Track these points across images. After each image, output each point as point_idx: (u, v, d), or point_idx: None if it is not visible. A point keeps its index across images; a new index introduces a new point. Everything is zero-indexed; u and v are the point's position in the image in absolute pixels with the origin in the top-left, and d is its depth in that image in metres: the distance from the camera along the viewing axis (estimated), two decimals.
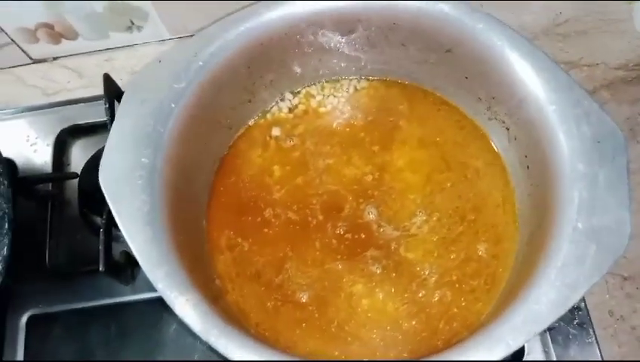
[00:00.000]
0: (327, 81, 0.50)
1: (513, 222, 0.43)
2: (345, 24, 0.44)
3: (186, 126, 0.41)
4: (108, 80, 0.52)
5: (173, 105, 0.39)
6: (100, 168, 0.37)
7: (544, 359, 0.46)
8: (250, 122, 0.49)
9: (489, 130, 0.46)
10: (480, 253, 0.43)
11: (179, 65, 0.40)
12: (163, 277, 0.34)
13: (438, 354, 0.33)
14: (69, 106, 0.61)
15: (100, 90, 0.51)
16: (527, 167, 0.41)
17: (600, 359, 0.47)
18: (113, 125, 0.38)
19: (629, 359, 0.49)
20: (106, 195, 0.37)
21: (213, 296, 0.40)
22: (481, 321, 0.41)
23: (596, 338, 0.47)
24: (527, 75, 0.38)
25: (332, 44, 0.46)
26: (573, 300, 0.32)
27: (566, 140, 0.36)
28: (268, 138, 0.49)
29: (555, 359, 0.46)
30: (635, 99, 0.58)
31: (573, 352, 0.47)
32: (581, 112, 0.36)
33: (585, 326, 0.48)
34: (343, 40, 0.45)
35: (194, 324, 0.33)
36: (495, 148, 0.46)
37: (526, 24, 0.62)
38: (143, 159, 0.37)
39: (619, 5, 0.61)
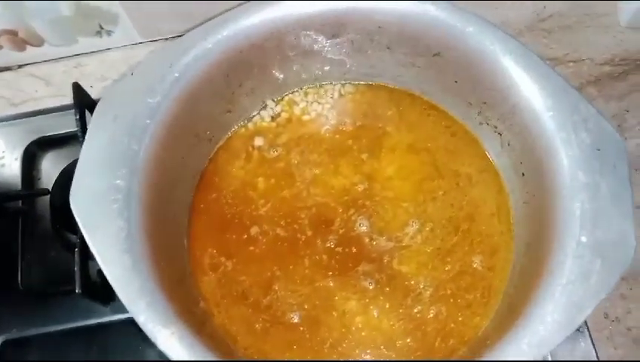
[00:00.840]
0: (310, 87, 0.48)
1: (508, 231, 0.42)
2: (328, 28, 0.42)
3: (163, 142, 0.38)
4: (78, 89, 0.49)
5: (148, 121, 0.37)
6: (71, 193, 0.35)
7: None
8: (231, 133, 0.47)
9: (481, 136, 0.44)
10: (475, 266, 0.41)
11: (153, 78, 0.37)
12: (144, 308, 0.32)
13: None
14: (37, 117, 0.58)
15: (69, 98, 0.48)
16: (523, 174, 0.40)
17: (596, 359, 0.46)
18: (84, 145, 0.36)
19: (626, 359, 0.48)
20: (78, 222, 0.34)
21: (199, 322, 0.38)
22: (480, 336, 0.39)
23: (592, 341, 0.47)
24: (521, 79, 0.37)
25: (315, 48, 0.44)
26: (580, 320, 0.31)
27: (564, 148, 0.34)
28: (250, 148, 0.46)
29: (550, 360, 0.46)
30: (622, 95, 0.58)
31: (569, 355, 0.46)
32: (579, 118, 0.35)
33: (580, 328, 0.47)
34: (327, 43, 0.43)
35: (180, 359, 0.31)
36: (487, 155, 0.44)
37: (510, 20, 0.61)
38: (117, 181, 0.35)
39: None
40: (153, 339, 0.32)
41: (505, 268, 0.41)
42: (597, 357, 0.46)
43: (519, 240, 0.41)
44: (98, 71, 0.61)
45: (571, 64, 0.59)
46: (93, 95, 0.51)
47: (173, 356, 0.31)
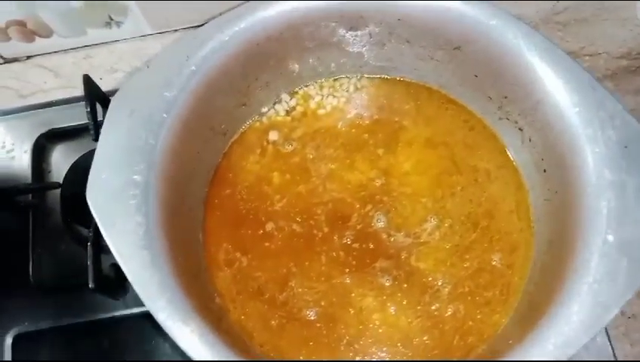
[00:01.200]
0: (325, 81, 0.47)
1: (528, 228, 0.42)
2: (347, 20, 0.41)
3: (180, 136, 0.37)
4: (88, 81, 0.48)
5: (165, 115, 0.36)
6: (88, 189, 0.34)
7: None
8: (246, 127, 0.46)
9: (500, 131, 0.43)
10: (494, 263, 0.41)
11: (169, 71, 0.37)
12: (165, 305, 0.31)
13: None
14: (46, 109, 0.57)
15: (78, 90, 0.47)
16: (544, 171, 0.39)
17: (613, 359, 0.45)
18: (100, 140, 0.35)
19: None
20: (96, 218, 0.33)
21: (216, 318, 0.38)
22: (499, 334, 0.39)
23: (609, 338, 0.46)
24: (545, 74, 0.36)
25: (333, 40, 0.43)
26: (607, 320, 0.30)
27: (590, 145, 0.34)
28: (265, 143, 0.46)
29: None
30: (639, 89, 0.57)
31: (586, 353, 0.46)
32: (605, 115, 0.34)
33: None
34: (346, 36, 0.43)
35: (201, 357, 0.31)
36: (507, 150, 0.43)
37: (525, 13, 0.60)
38: (135, 176, 0.34)
39: None
40: (175, 338, 0.31)
41: (525, 265, 0.40)
42: (613, 353, 0.46)
43: (540, 237, 0.40)
44: (107, 62, 0.60)
45: (587, 58, 0.58)
46: (103, 87, 0.50)
47: (195, 356, 0.31)
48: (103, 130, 0.36)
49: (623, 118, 0.34)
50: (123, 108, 0.36)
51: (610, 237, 0.31)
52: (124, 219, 0.33)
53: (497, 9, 0.37)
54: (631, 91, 0.57)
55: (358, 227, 0.42)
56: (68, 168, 0.53)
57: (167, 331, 0.31)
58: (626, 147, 0.33)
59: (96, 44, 0.60)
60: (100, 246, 0.43)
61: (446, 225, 0.43)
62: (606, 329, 0.47)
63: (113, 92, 0.50)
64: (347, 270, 0.41)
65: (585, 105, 0.34)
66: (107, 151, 0.35)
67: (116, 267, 0.46)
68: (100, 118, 0.47)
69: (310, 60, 0.44)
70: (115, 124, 0.36)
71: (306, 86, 0.47)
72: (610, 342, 0.46)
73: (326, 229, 0.42)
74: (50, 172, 0.55)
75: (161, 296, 0.31)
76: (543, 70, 0.36)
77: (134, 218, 0.33)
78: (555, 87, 0.35)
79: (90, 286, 0.42)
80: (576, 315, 0.30)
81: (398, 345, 0.40)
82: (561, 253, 0.35)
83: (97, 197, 0.34)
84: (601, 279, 0.31)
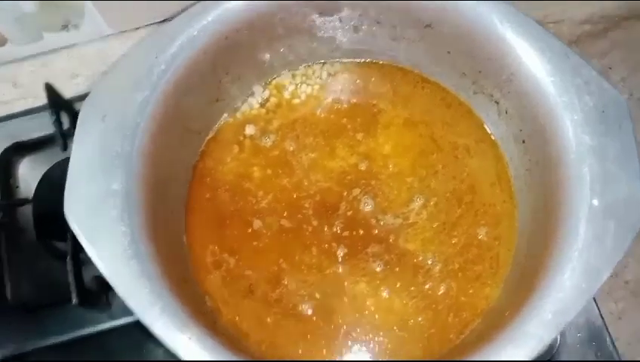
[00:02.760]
0: (297, 68, 0.46)
1: (511, 199, 0.42)
2: (320, 4, 0.40)
3: (155, 139, 0.36)
4: (50, 90, 0.46)
5: (138, 119, 0.35)
6: (65, 202, 0.33)
7: None
8: (221, 123, 0.45)
9: (476, 106, 0.44)
10: (480, 237, 0.41)
11: (139, 71, 0.35)
12: (159, 315, 0.31)
13: (468, 355, 0.31)
14: (8, 122, 0.54)
15: (40, 99, 0.46)
16: (523, 142, 0.40)
17: (600, 318, 0.47)
18: (72, 151, 0.34)
19: (627, 314, 0.49)
20: (78, 234, 0.32)
21: (210, 321, 0.37)
22: (493, 307, 0.39)
23: (594, 298, 0.47)
24: (519, 46, 0.36)
25: (304, 26, 0.42)
26: (599, 283, 0.31)
27: (568, 113, 0.34)
28: (242, 138, 0.45)
29: None
30: (604, 52, 0.58)
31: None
32: (581, 82, 0.34)
33: None
34: (317, 21, 0.42)
35: None
36: (484, 124, 0.44)
37: None
38: (113, 185, 0.33)
39: None
40: (172, 347, 0.30)
41: (511, 236, 0.41)
42: (600, 312, 0.47)
43: (524, 207, 0.41)
44: (68, 68, 0.58)
45: (552, 25, 0.59)
46: (65, 94, 0.48)
47: None
48: (75, 140, 0.34)
49: (598, 84, 0.34)
50: (94, 115, 0.34)
51: (596, 202, 0.32)
52: (107, 230, 0.32)
53: None
54: (596, 55, 0.58)
55: (348, 214, 0.42)
56: (37, 182, 0.51)
57: (163, 341, 0.31)
58: (603, 112, 0.34)
59: (54, 50, 0.58)
60: (80, 260, 0.42)
61: (432, 203, 0.43)
62: None
63: (77, 98, 0.49)
64: (340, 259, 0.41)
65: (560, 74, 0.35)
66: (81, 161, 0.34)
67: (99, 279, 0.45)
68: (66, 127, 0.45)
69: (281, 49, 0.44)
70: (87, 131, 0.34)
71: (279, 76, 0.46)
72: (595, 301, 0.47)
73: (315, 222, 0.42)
74: (18, 187, 0.53)
75: (153, 305, 0.31)
76: (516, 42, 0.36)
77: (118, 228, 0.32)
78: (529, 57, 0.36)
79: (73, 302, 0.41)
80: (569, 281, 0.31)
81: (395, 328, 0.40)
82: (547, 221, 0.35)
83: (76, 211, 0.33)
84: (590, 244, 0.31)
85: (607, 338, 0.45)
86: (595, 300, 0.47)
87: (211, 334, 0.33)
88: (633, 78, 0.56)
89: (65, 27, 0.56)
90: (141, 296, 0.31)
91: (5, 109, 0.56)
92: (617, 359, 0.44)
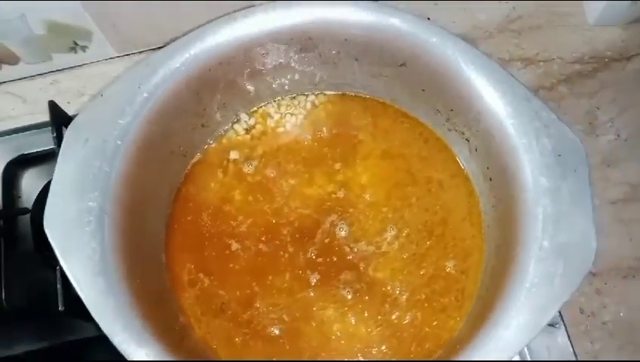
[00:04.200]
0: (282, 98, 0.48)
1: (480, 234, 0.43)
2: (296, 41, 0.42)
3: (136, 162, 0.38)
4: (53, 107, 0.49)
5: (119, 142, 0.37)
6: (45, 217, 0.35)
7: (518, 359, 0.46)
8: (206, 148, 0.47)
9: (450, 142, 0.45)
10: (448, 270, 0.42)
11: (123, 99, 0.38)
12: (120, 331, 0.32)
13: None
14: (15, 135, 0.57)
15: (46, 115, 0.48)
16: (490, 179, 0.41)
17: (574, 358, 0.47)
18: (56, 169, 0.36)
19: (603, 355, 0.49)
20: (53, 245, 0.34)
21: (178, 338, 0.39)
22: (454, 338, 0.40)
23: (568, 336, 0.48)
24: (483, 87, 0.37)
25: (284, 62, 0.44)
26: (543, 322, 0.31)
27: (527, 154, 0.35)
28: (226, 162, 0.47)
29: (529, 359, 0.46)
30: (592, 92, 0.58)
31: (547, 353, 0.47)
32: (540, 125, 0.36)
33: (557, 324, 0.48)
34: (296, 56, 0.44)
35: None
36: (458, 160, 0.45)
37: (480, 22, 0.62)
38: (89, 203, 0.35)
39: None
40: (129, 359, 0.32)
41: (477, 271, 0.42)
42: (574, 351, 0.47)
43: (490, 242, 0.42)
44: (74, 87, 0.61)
45: (542, 63, 0.60)
46: (71, 111, 0.51)
47: None
48: (58, 159, 0.37)
49: (558, 127, 0.35)
50: (77, 138, 0.37)
51: (546, 243, 0.33)
52: (80, 246, 0.34)
53: (437, 27, 0.38)
54: (585, 95, 0.58)
55: (325, 241, 0.43)
56: (37, 193, 0.53)
57: (123, 354, 0.32)
58: (559, 155, 0.35)
59: (62, 69, 0.61)
60: None
61: (404, 234, 0.44)
62: (566, 327, 0.48)
63: None
64: (312, 284, 0.42)
65: (520, 116, 0.36)
66: (63, 179, 0.36)
67: None
68: None
69: (265, 81, 0.46)
70: (69, 152, 0.37)
71: (265, 105, 0.48)
72: (570, 340, 0.47)
73: (291, 248, 0.43)
74: (20, 197, 0.56)
75: (116, 321, 0.32)
76: (481, 84, 0.37)
77: (90, 245, 0.34)
78: (492, 99, 0.37)
79: (60, 308, 0.43)
80: (515, 319, 0.32)
81: (359, 355, 0.41)
82: (506, 258, 0.36)
83: (54, 225, 0.35)
84: (539, 283, 0.32)
85: None
86: (570, 339, 0.47)
87: (174, 350, 0.34)
88: (621, 118, 0.57)
89: (73, 49, 0.59)
90: (105, 311, 0.33)
91: (14, 123, 0.59)
92: None
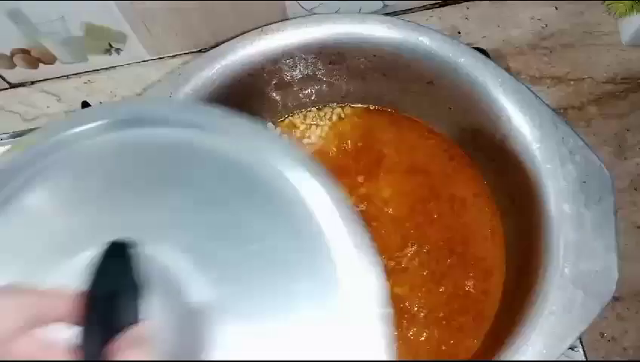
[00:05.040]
0: (309, 110, 0.49)
1: (501, 255, 0.43)
2: (326, 56, 0.43)
3: None
4: (86, 106, 0.51)
5: None
6: None
7: None
8: None
9: (476, 160, 0.45)
10: (468, 288, 0.42)
11: None
12: None
13: None
14: None
15: None
16: (513, 201, 0.41)
17: None
18: None
19: None
20: None
21: None
22: (472, 356, 0.40)
23: (587, 360, 0.47)
24: (511, 111, 0.37)
25: (313, 74, 0.45)
26: (561, 350, 0.31)
27: (551, 179, 0.35)
28: None
29: None
30: (622, 114, 0.58)
31: None
32: (566, 151, 0.35)
33: (575, 348, 0.48)
34: (324, 69, 0.44)
35: None
36: (483, 179, 0.45)
37: (512, 38, 0.61)
38: None
39: (605, 18, 0.60)
40: None
41: (497, 291, 0.42)
42: None
43: (511, 264, 0.42)
44: (107, 87, 0.63)
45: (572, 82, 0.59)
46: None
47: None
48: None
49: (584, 154, 0.35)
50: None
51: (567, 271, 0.33)
52: None
53: (466, 47, 0.38)
54: (615, 116, 0.57)
55: None
56: None
57: None
58: (584, 182, 0.34)
59: (96, 70, 0.63)
60: None
61: (424, 250, 0.44)
62: (584, 351, 0.48)
63: None
64: None
65: (546, 141, 0.36)
66: None
67: None
68: None
69: (292, 92, 0.46)
70: None
71: (291, 115, 0.49)
72: None
73: None
74: None
75: None
76: (509, 106, 0.37)
77: None
78: (520, 122, 0.37)
79: None
80: (533, 346, 0.32)
81: None
82: (526, 282, 0.36)
83: None
84: (557, 311, 0.32)
85: None
86: None
87: None
88: None
89: (108, 51, 0.60)
90: None
91: (48, 121, 0.61)
92: None
